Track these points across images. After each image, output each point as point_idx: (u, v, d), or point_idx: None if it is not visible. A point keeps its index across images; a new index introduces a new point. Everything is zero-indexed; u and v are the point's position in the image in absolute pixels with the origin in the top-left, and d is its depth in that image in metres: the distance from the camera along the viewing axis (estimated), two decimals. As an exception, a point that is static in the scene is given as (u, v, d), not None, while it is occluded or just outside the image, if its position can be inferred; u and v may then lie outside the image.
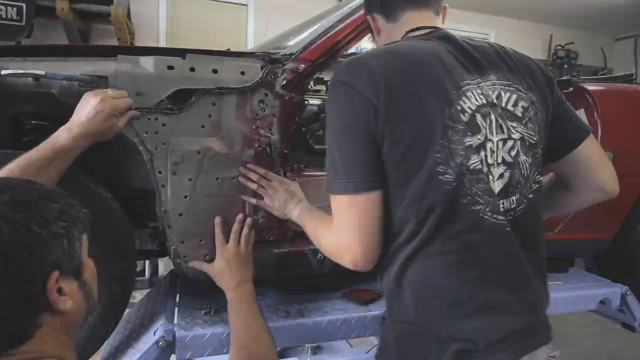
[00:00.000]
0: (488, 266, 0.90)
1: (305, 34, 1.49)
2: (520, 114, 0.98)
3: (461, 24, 5.67)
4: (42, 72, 1.11)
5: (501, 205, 0.93)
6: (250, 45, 4.71)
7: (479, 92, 0.94)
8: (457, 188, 0.88)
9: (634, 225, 1.87)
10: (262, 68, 1.30)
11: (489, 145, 0.93)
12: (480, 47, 1.00)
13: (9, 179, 0.74)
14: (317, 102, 1.89)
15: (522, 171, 0.97)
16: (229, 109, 1.26)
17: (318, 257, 1.39)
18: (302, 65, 1.33)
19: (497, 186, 0.93)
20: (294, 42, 1.50)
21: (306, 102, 1.39)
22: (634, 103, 1.84)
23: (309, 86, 1.46)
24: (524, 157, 0.97)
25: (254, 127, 1.28)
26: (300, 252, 1.39)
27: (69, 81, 1.13)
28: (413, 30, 1.03)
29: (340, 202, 0.91)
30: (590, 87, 1.75)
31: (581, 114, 1.74)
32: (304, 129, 1.68)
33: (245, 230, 1.28)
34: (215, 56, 1.29)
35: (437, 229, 0.88)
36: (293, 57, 1.33)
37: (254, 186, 1.27)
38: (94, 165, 1.18)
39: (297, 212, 1.20)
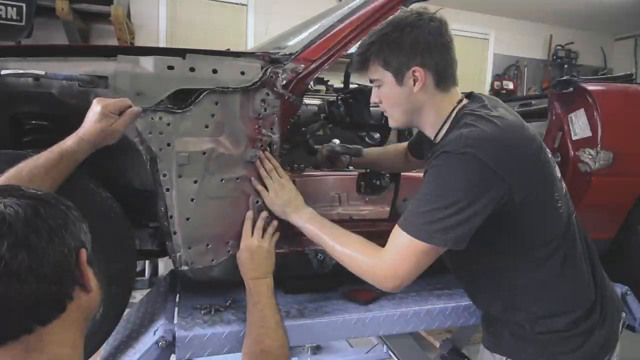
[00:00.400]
0: (584, 264, 1.17)
1: (305, 34, 1.49)
2: None
3: (461, 24, 5.67)
4: (42, 72, 1.11)
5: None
6: (250, 45, 4.71)
7: None
8: (567, 213, 1.14)
9: (634, 225, 1.86)
10: (262, 68, 1.30)
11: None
12: None
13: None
14: (317, 102, 1.88)
15: None
16: (232, 108, 1.26)
17: (318, 257, 1.39)
18: (302, 65, 1.33)
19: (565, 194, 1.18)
20: (294, 42, 1.50)
21: (304, 103, 1.39)
22: (634, 103, 1.84)
23: (309, 86, 1.45)
24: None
25: (256, 126, 1.28)
26: (300, 252, 1.39)
27: (69, 81, 1.13)
28: (460, 101, 1.17)
29: (416, 246, 1.01)
30: (591, 87, 1.74)
31: (581, 114, 1.74)
32: (304, 129, 1.68)
33: (269, 230, 1.30)
34: (215, 56, 1.29)
35: (561, 246, 1.11)
36: (293, 57, 1.33)
37: (264, 175, 1.28)
38: (94, 165, 1.18)
39: (302, 216, 1.24)
